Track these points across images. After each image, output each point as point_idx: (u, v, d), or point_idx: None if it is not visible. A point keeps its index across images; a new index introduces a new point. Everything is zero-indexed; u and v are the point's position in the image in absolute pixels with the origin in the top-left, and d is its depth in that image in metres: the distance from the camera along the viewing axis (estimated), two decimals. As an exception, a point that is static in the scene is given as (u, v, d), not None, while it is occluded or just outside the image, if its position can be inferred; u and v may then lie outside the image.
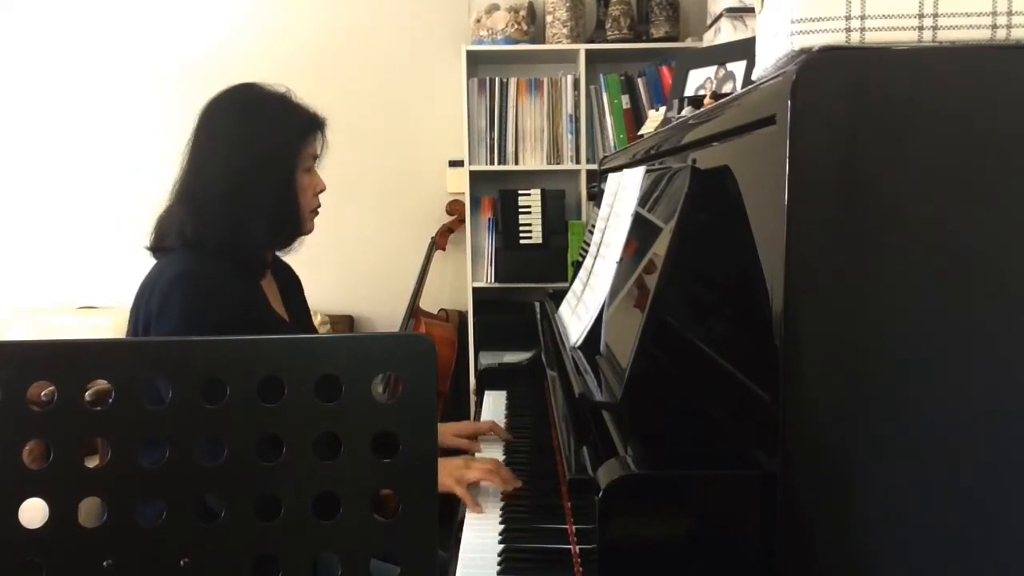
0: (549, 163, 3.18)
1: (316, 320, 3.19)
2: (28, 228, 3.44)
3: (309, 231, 1.59)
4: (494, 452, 1.57)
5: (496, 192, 3.24)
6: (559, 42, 3.14)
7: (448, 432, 1.66)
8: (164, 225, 1.50)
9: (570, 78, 3.15)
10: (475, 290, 3.19)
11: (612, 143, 3.16)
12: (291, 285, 1.72)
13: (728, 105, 0.94)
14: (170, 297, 1.37)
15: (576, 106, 3.15)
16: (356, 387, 0.72)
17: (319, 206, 1.58)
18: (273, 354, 0.73)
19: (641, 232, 1.14)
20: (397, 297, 3.24)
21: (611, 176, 1.54)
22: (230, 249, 1.45)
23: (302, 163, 1.52)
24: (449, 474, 1.37)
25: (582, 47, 3.10)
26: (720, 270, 0.96)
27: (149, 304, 1.39)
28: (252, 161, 1.46)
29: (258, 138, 1.48)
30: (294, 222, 1.54)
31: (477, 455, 1.56)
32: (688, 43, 3.09)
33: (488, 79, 3.18)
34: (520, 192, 3.17)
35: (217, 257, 1.44)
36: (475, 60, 3.20)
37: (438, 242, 3.25)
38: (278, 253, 1.65)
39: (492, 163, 3.18)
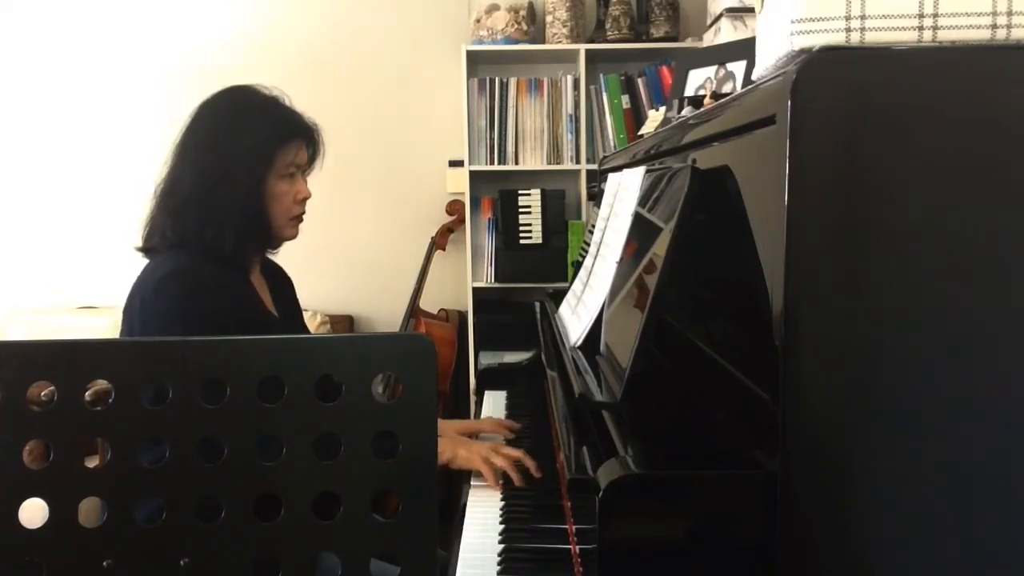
0: (549, 163, 3.18)
1: (316, 320, 3.21)
2: (28, 228, 3.44)
3: (290, 237, 1.57)
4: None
5: (496, 192, 3.24)
6: (559, 42, 3.13)
7: (450, 429, 1.66)
8: (149, 226, 1.51)
9: (570, 78, 3.15)
10: (475, 290, 3.19)
11: (612, 143, 3.16)
12: (281, 285, 1.71)
13: (728, 105, 0.94)
14: (164, 295, 1.38)
15: (576, 106, 3.15)
16: (356, 387, 0.72)
17: (302, 213, 1.56)
18: (273, 354, 0.73)
19: (641, 232, 1.14)
20: (397, 297, 3.23)
21: (611, 176, 1.54)
22: (208, 250, 1.45)
23: (277, 170, 1.49)
24: (478, 452, 1.42)
25: (582, 47, 3.10)
26: (720, 270, 0.96)
27: (144, 303, 1.39)
28: (222, 164, 1.45)
29: (231, 141, 1.46)
30: (264, 229, 1.51)
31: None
32: (688, 43, 3.09)
33: (488, 79, 3.18)
34: (520, 192, 3.17)
35: (202, 255, 1.44)
36: (475, 60, 3.20)
37: (438, 242, 3.25)
38: (267, 255, 1.64)
39: (492, 163, 3.18)
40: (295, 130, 1.52)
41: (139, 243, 1.52)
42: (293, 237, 1.58)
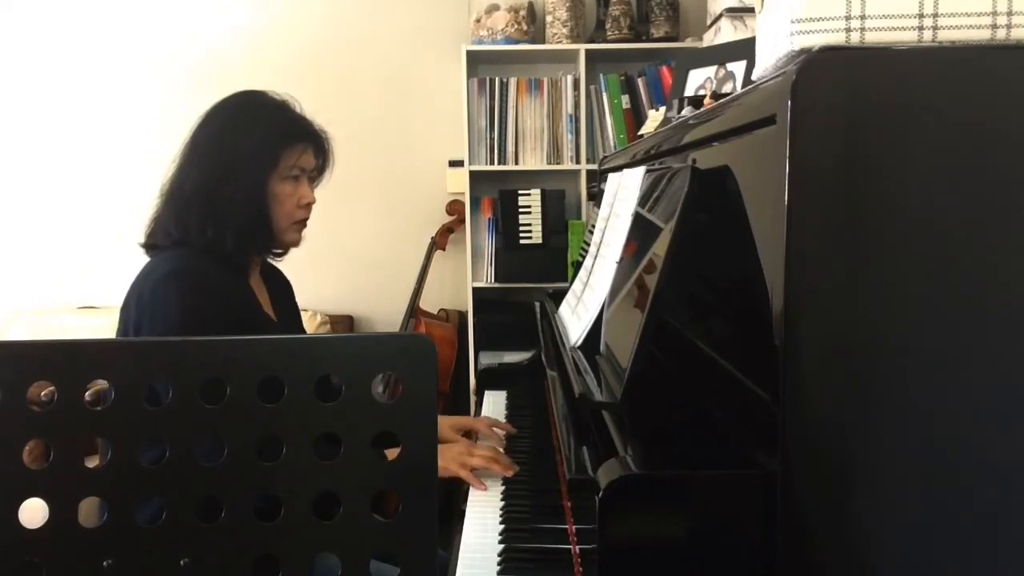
0: (549, 163, 3.18)
1: (316, 320, 3.21)
2: (28, 228, 3.44)
3: (292, 242, 1.58)
4: (494, 452, 1.56)
5: (496, 192, 3.24)
6: (559, 42, 3.13)
7: (444, 425, 1.66)
8: (154, 223, 1.52)
9: (570, 78, 3.15)
10: (475, 290, 3.19)
11: (612, 143, 3.16)
12: (281, 290, 1.72)
13: (728, 105, 0.94)
14: (165, 293, 1.38)
15: (576, 106, 3.15)
16: (356, 387, 0.72)
17: (305, 218, 1.57)
18: (273, 354, 0.73)
19: (641, 232, 1.14)
20: (397, 297, 3.24)
21: (611, 176, 1.54)
22: (210, 249, 1.46)
23: (280, 171, 1.50)
24: (452, 459, 1.41)
25: (582, 47, 3.10)
26: (720, 270, 0.96)
27: (141, 302, 1.39)
28: (227, 162, 1.47)
29: (236, 141, 1.48)
30: (266, 230, 1.52)
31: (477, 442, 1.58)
32: (688, 43, 3.09)
33: (488, 79, 3.18)
34: (520, 192, 3.17)
35: (204, 255, 1.45)
36: (475, 60, 3.20)
37: (438, 242, 3.25)
38: (269, 260, 1.65)
39: (492, 163, 3.18)
40: (301, 133, 1.54)
41: (143, 240, 1.53)
42: (296, 243, 1.59)
